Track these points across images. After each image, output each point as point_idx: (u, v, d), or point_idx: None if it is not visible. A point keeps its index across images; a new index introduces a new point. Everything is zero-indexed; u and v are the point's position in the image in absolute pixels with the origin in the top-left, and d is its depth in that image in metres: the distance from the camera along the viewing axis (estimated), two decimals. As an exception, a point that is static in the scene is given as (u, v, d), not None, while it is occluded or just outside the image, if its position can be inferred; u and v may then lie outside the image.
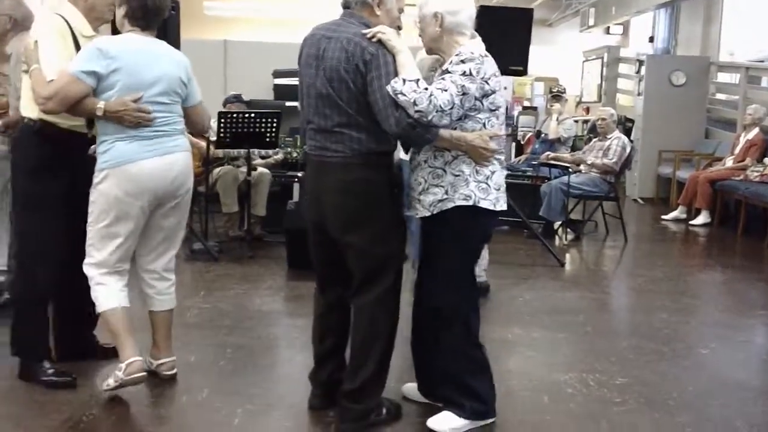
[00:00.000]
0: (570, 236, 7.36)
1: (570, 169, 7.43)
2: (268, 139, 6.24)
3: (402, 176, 3.15)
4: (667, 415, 3.35)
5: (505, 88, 4.71)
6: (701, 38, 12.00)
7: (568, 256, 6.80)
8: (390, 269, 3.02)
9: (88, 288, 3.31)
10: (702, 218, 8.36)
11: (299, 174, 6.87)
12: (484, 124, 2.93)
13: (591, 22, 14.42)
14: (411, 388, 3.32)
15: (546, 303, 5.03)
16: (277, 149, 6.82)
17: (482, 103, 2.90)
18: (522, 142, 9.86)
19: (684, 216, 8.65)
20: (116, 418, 3.18)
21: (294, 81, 7.78)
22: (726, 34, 11.46)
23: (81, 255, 3.31)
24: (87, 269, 3.30)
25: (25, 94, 3.35)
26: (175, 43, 4.13)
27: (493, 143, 2.93)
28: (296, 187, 6.85)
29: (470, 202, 2.93)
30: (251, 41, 10.55)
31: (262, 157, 6.84)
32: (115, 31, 3.47)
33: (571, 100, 12.26)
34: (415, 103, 2.74)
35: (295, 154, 6.88)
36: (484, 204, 2.95)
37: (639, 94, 10.78)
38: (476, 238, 3.10)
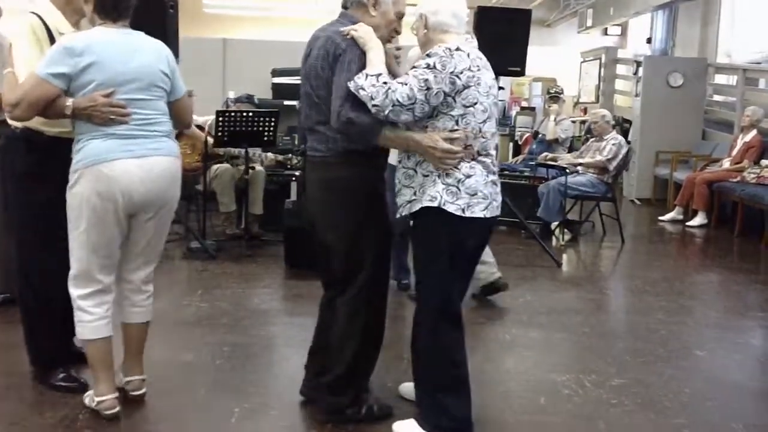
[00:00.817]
0: (567, 237, 7.37)
1: (567, 170, 7.44)
2: (266, 138, 6.24)
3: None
4: (664, 416, 3.35)
5: (502, 87, 4.69)
6: (699, 40, 12.02)
7: (565, 256, 6.80)
8: (366, 271, 3.00)
9: None
10: (699, 219, 8.38)
11: (296, 173, 6.88)
12: (457, 122, 2.79)
13: (589, 22, 14.43)
14: (408, 387, 3.32)
15: (543, 303, 5.04)
16: (273, 154, 6.82)
17: (454, 100, 2.78)
18: (520, 143, 9.87)
19: (681, 217, 8.66)
20: (113, 417, 3.17)
21: (292, 80, 7.87)
22: (723, 36, 11.48)
23: None
24: (69, 286, 3.06)
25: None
26: (173, 41, 4.14)
27: (455, 144, 2.76)
28: (294, 185, 6.86)
29: (435, 204, 2.81)
30: (250, 40, 10.56)
31: (261, 163, 6.80)
32: None
33: (569, 101, 12.28)
34: (372, 98, 2.73)
35: (295, 161, 6.86)
36: (449, 207, 2.80)
37: (636, 95, 10.80)
38: (444, 243, 2.86)
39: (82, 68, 2.90)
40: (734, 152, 8.52)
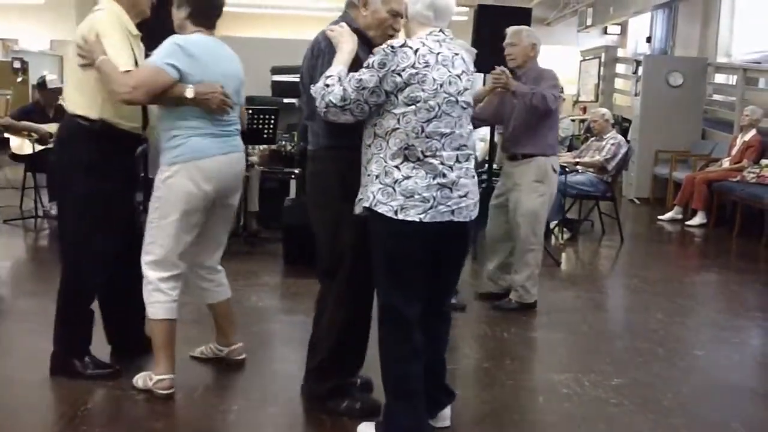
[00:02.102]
0: (566, 236, 7.37)
1: (567, 169, 7.44)
2: (265, 136, 6.23)
3: None
4: (662, 416, 3.35)
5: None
6: (699, 39, 12.01)
7: (564, 255, 6.80)
8: (346, 264, 3.03)
9: (138, 286, 3.32)
10: (698, 219, 8.38)
11: (296, 170, 6.88)
12: (398, 120, 2.70)
13: (589, 21, 14.44)
14: None
15: (542, 302, 5.02)
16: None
17: (397, 97, 2.70)
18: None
19: (680, 216, 8.66)
20: (111, 413, 3.17)
21: (291, 78, 7.85)
22: (723, 35, 11.47)
23: (129, 254, 3.37)
24: (146, 270, 3.27)
25: (79, 92, 3.28)
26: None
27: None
28: (293, 183, 6.85)
29: (367, 203, 2.77)
30: (249, 37, 10.54)
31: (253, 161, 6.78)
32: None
33: (569, 100, 12.27)
34: (316, 100, 2.81)
35: (289, 147, 6.86)
36: (380, 208, 2.72)
37: (636, 95, 10.80)
38: (380, 245, 2.80)
39: (189, 68, 3.16)
40: (734, 152, 8.52)
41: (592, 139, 8.01)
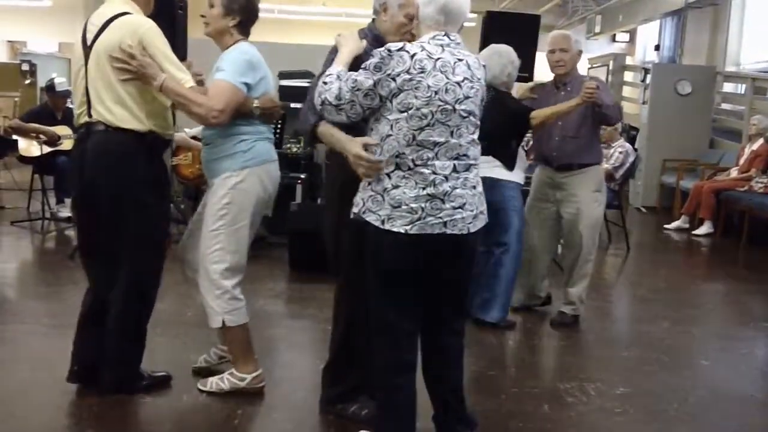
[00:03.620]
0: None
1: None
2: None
3: None
4: (668, 426, 3.34)
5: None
6: (707, 47, 12.00)
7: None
8: (345, 267, 3.05)
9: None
10: (705, 228, 8.35)
11: (302, 175, 6.88)
12: (391, 126, 2.63)
13: (597, 29, 14.43)
14: None
15: (547, 310, 5.01)
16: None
17: (391, 103, 2.63)
18: (526, 149, 9.84)
19: (687, 226, 8.63)
20: (116, 417, 3.17)
21: (299, 83, 7.86)
22: (732, 44, 11.45)
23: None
24: (219, 279, 3.26)
25: (120, 105, 3.15)
26: (183, 42, 4.14)
27: (363, 151, 2.65)
28: (299, 188, 6.85)
29: (356, 210, 2.73)
30: (257, 42, 10.55)
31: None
32: None
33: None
34: (315, 97, 2.79)
35: (295, 149, 6.88)
36: (368, 217, 2.66)
37: (644, 103, 10.78)
38: (368, 254, 2.73)
39: (257, 81, 3.29)
40: (741, 161, 8.50)
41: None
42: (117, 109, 3.13)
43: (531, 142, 9.60)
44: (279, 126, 6.20)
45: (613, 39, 15.74)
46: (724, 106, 11.05)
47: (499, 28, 5.58)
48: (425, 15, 2.72)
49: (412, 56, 2.61)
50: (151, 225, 3.28)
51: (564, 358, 4.24)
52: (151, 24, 3.16)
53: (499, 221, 4.34)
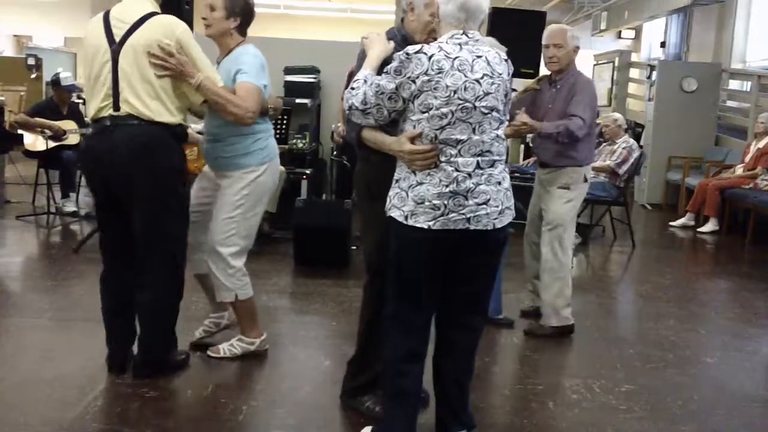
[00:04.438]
0: (577, 240, 7.33)
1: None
2: (277, 136, 6.21)
3: None
4: (673, 424, 3.33)
5: (514, 89, 4.63)
6: (713, 45, 11.97)
7: (574, 260, 6.76)
8: (373, 264, 3.08)
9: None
10: (710, 226, 8.34)
11: (307, 171, 6.89)
12: (414, 126, 2.68)
13: (603, 26, 14.40)
14: None
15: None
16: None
17: (413, 104, 2.68)
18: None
19: (692, 223, 8.62)
20: (121, 411, 3.18)
21: (304, 78, 7.86)
22: (738, 42, 11.42)
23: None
24: (231, 260, 3.61)
25: (155, 99, 3.28)
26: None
27: (417, 143, 2.67)
28: (304, 184, 6.85)
29: (385, 207, 2.79)
30: (263, 37, 10.53)
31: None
32: None
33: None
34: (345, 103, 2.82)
35: (300, 145, 6.88)
36: (394, 213, 2.73)
37: (650, 100, 10.75)
38: (393, 248, 2.78)
39: (269, 82, 3.61)
40: (747, 159, 8.48)
41: (605, 143, 7.98)
42: (153, 103, 3.27)
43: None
44: (285, 121, 6.19)
45: (619, 36, 15.69)
46: (730, 103, 11.02)
47: (504, 24, 5.56)
48: (446, 13, 2.74)
49: (430, 57, 2.65)
50: (182, 209, 3.49)
51: (568, 356, 4.24)
52: (185, 25, 3.35)
53: None
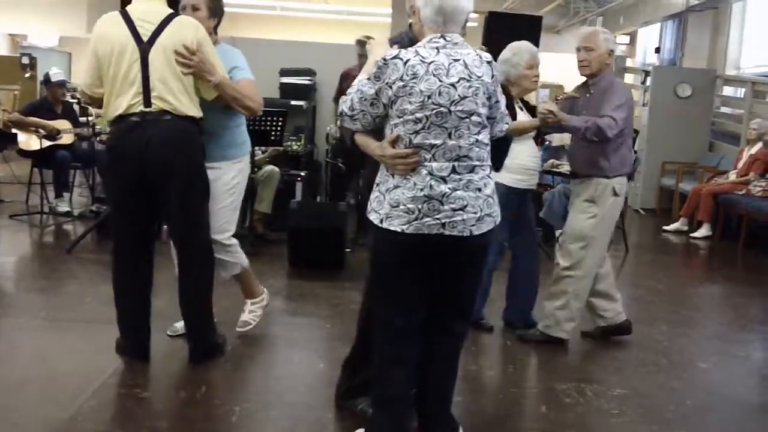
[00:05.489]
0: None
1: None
2: (272, 138, 6.24)
3: None
4: (665, 428, 3.34)
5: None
6: (708, 51, 12.01)
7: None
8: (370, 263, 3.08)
9: None
10: (703, 231, 8.36)
11: (302, 173, 6.89)
12: (392, 131, 2.69)
13: (598, 30, 14.41)
14: None
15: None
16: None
17: (391, 110, 2.68)
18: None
19: (685, 228, 8.64)
20: (114, 412, 3.18)
21: (300, 80, 7.87)
22: (733, 48, 11.47)
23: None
24: (228, 242, 3.88)
25: (186, 95, 3.47)
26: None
27: (399, 147, 2.66)
28: (299, 185, 6.85)
29: (367, 209, 2.80)
30: (258, 39, 10.55)
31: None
32: None
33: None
34: None
35: (296, 147, 6.89)
36: (371, 216, 2.74)
37: (644, 105, 10.78)
38: (374, 251, 2.81)
39: None
40: (740, 164, 8.51)
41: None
42: (184, 98, 3.46)
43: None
44: (280, 123, 6.19)
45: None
46: (724, 109, 11.05)
47: (500, 28, 5.58)
48: (424, 17, 2.73)
49: (406, 63, 2.64)
50: (208, 194, 3.66)
51: (561, 359, 4.24)
52: (203, 27, 3.55)
53: None
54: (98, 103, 3.59)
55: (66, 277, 5.22)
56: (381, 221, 2.69)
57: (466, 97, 2.65)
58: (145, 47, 3.38)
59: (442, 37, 2.69)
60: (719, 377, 4.09)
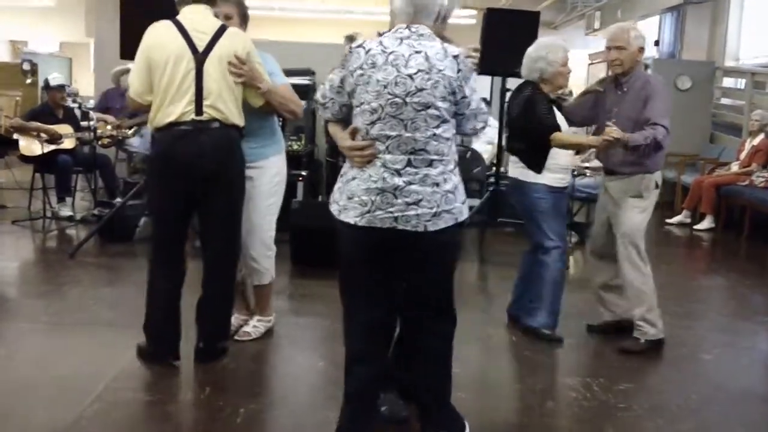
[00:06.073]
0: (574, 239, 7.35)
1: (575, 172, 7.41)
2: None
3: None
4: (671, 421, 3.34)
5: (509, 89, 4.62)
6: (707, 43, 11.98)
7: (572, 259, 6.77)
8: None
9: None
10: (706, 223, 8.35)
11: (303, 173, 6.88)
12: (353, 121, 2.70)
13: (597, 25, 14.40)
14: None
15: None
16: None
17: (353, 98, 2.69)
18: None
19: (688, 220, 8.63)
20: (118, 415, 3.17)
21: (300, 80, 7.86)
22: (732, 39, 11.44)
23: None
24: (271, 244, 4.00)
25: (234, 103, 3.55)
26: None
27: (357, 139, 2.67)
28: (300, 185, 6.85)
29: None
30: (258, 39, 10.52)
31: None
32: (125, 29, 3.52)
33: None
34: None
35: (295, 147, 6.90)
36: (332, 207, 2.75)
37: (644, 98, 10.74)
38: (340, 243, 2.77)
39: None
40: (742, 156, 8.50)
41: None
42: (233, 107, 3.55)
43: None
44: (280, 123, 6.18)
45: (613, 34, 15.67)
46: (724, 101, 11.03)
47: (499, 24, 5.59)
48: (396, 9, 2.71)
49: (367, 52, 2.64)
50: (243, 200, 3.75)
51: (567, 354, 4.23)
52: (249, 42, 3.66)
53: (533, 222, 4.30)
54: (143, 109, 3.64)
55: (69, 282, 5.22)
56: (339, 213, 2.71)
57: (423, 89, 2.59)
58: (200, 57, 3.44)
59: (408, 27, 2.66)
60: (724, 369, 4.09)
